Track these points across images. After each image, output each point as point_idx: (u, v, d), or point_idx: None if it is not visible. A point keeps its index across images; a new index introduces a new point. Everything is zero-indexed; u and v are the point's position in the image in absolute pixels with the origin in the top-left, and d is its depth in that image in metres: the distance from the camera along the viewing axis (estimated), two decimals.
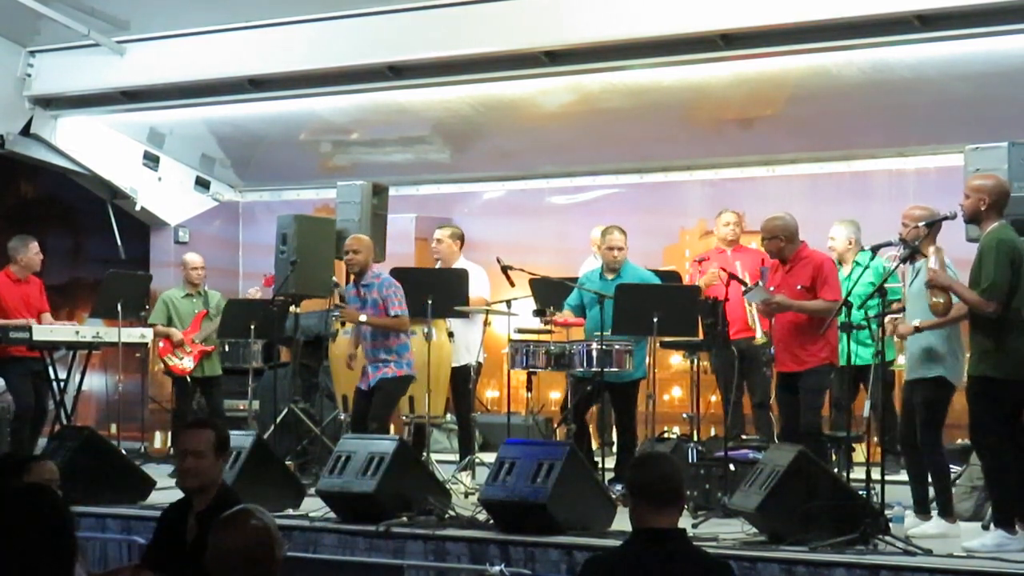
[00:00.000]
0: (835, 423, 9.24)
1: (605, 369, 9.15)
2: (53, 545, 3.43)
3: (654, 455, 4.49)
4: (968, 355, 7.49)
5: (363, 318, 9.28)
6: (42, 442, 10.83)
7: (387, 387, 9.33)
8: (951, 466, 8.29)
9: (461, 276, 10.18)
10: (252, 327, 10.74)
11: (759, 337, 9.73)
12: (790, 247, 8.57)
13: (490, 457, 9.16)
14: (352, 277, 9.72)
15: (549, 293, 10.17)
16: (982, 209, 7.29)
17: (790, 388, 8.51)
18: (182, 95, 12.98)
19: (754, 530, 7.48)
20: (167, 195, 14.28)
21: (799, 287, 8.45)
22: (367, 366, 9.41)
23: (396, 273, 9.83)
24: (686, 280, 10.47)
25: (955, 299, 7.33)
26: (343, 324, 10.47)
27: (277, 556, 3.81)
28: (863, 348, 9.16)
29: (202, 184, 14.49)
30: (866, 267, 9.32)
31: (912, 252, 7.70)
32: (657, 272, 10.23)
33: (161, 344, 11.39)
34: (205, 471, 5.22)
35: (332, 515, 8.30)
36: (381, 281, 9.38)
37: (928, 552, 6.97)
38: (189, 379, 11.39)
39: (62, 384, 11.59)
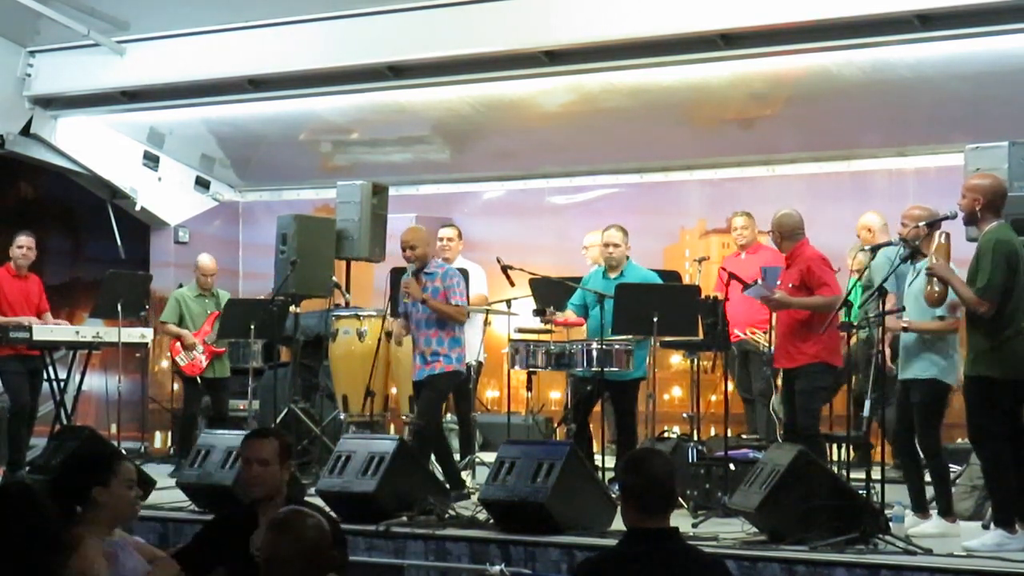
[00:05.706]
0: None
1: (605, 369, 9.15)
2: (34, 544, 3.42)
3: (646, 456, 4.43)
4: (965, 355, 7.49)
5: (426, 295, 9.10)
6: (37, 441, 10.82)
7: (437, 384, 9.19)
8: (951, 466, 8.29)
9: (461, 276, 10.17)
10: (252, 327, 10.73)
11: (762, 344, 9.74)
12: (786, 243, 8.58)
13: (490, 457, 9.15)
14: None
15: (549, 293, 10.16)
16: (977, 209, 7.27)
17: (790, 386, 8.52)
18: (182, 95, 12.97)
19: (754, 530, 7.49)
20: (167, 195, 14.27)
21: (790, 285, 8.48)
22: (415, 356, 9.27)
23: (394, 273, 9.80)
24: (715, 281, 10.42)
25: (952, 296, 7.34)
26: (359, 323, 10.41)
27: (333, 556, 3.81)
28: None
29: (202, 184, 14.49)
30: (867, 267, 9.28)
31: (912, 252, 7.70)
32: (658, 272, 10.21)
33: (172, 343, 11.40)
34: (271, 479, 5.31)
35: (333, 515, 8.29)
36: (445, 271, 9.30)
37: (928, 552, 6.97)
38: (199, 380, 11.38)
39: (62, 384, 11.58)
